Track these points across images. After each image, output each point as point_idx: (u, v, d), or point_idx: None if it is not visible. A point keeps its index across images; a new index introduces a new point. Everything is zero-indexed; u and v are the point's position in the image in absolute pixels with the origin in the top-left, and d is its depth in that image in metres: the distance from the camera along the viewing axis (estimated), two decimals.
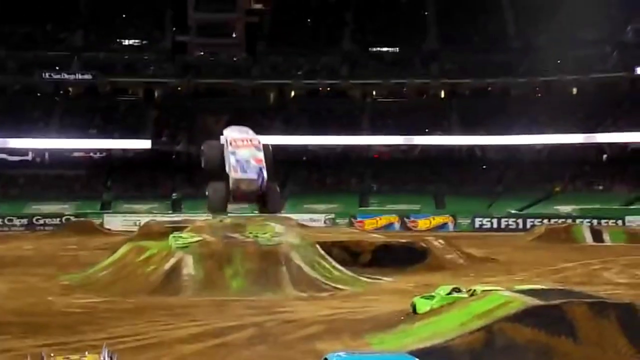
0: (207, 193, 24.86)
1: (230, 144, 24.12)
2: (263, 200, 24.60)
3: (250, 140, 24.51)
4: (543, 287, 15.47)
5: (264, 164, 23.82)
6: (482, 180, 55.59)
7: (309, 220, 42.47)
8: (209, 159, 24.80)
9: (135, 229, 35.96)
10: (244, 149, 23.93)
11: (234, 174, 23.39)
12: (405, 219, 48.05)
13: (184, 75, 61.37)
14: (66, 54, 60.35)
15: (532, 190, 52.98)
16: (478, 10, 61.60)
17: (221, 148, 24.58)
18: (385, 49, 63.59)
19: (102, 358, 8.74)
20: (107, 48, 61.88)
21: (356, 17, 64.64)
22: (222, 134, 25.65)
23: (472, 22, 60.86)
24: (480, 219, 48.41)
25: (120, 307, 18.10)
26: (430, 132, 57.23)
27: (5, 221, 47.70)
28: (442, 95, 61.92)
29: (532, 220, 46.88)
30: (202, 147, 25.87)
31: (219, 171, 24.31)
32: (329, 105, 60.32)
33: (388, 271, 24.19)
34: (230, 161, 23.60)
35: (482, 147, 58.67)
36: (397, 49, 63.00)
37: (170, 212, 49.46)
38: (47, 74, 58.46)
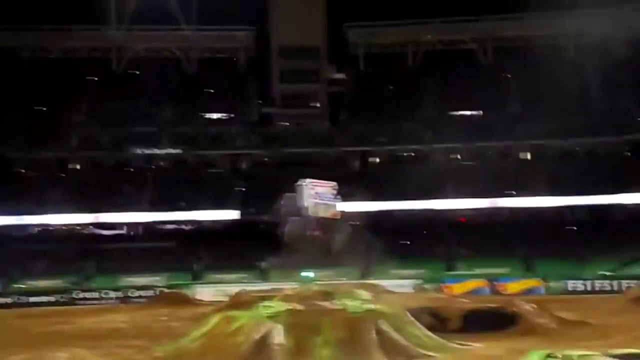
0: (286, 226, 25.79)
1: (309, 184, 25.44)
2: (331, 235, 25.29)
3: (328, 184, 25.81)
4: None
5: (339, 199, 24.84)
6: (572, 241, 54.44)
7: (397, 286, 42.30)
8: (287, 207, 26.03)
9: (226, 299, 36.38)
10: (321, 187, 25.31)
11: (312, 200, 24.41)
12: (494, 283, 47.37)
13: (270, 146, 62.56)
14: (156, 129, 62.51)
15: (624, 250, 51.57)
16: (560, 72, 61.08)
17: (298, 198, 25.70)
18: (467, 112, 63.64)
19: None
20: (194, 122, 63.84)
21: (436, 83, 65.06)
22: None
23: (554, 85, 60.30)
24: (573, 281, 47.32)
25: None
26: (517, 195, 56.60)
27: (102, 294, 49.16)
28: (528, 157, 61.40)
29: (627, 281, 45.63)
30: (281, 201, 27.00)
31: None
32: (412, 170, 60.37)
33: (478, 337, 23.85)
34: (310, 192, 24.72)
35: (571, 208, 57.54)
36: (480, 112, 63.00)
37: (259, 281, 49.94)
38: (138, 149, 60.54)
